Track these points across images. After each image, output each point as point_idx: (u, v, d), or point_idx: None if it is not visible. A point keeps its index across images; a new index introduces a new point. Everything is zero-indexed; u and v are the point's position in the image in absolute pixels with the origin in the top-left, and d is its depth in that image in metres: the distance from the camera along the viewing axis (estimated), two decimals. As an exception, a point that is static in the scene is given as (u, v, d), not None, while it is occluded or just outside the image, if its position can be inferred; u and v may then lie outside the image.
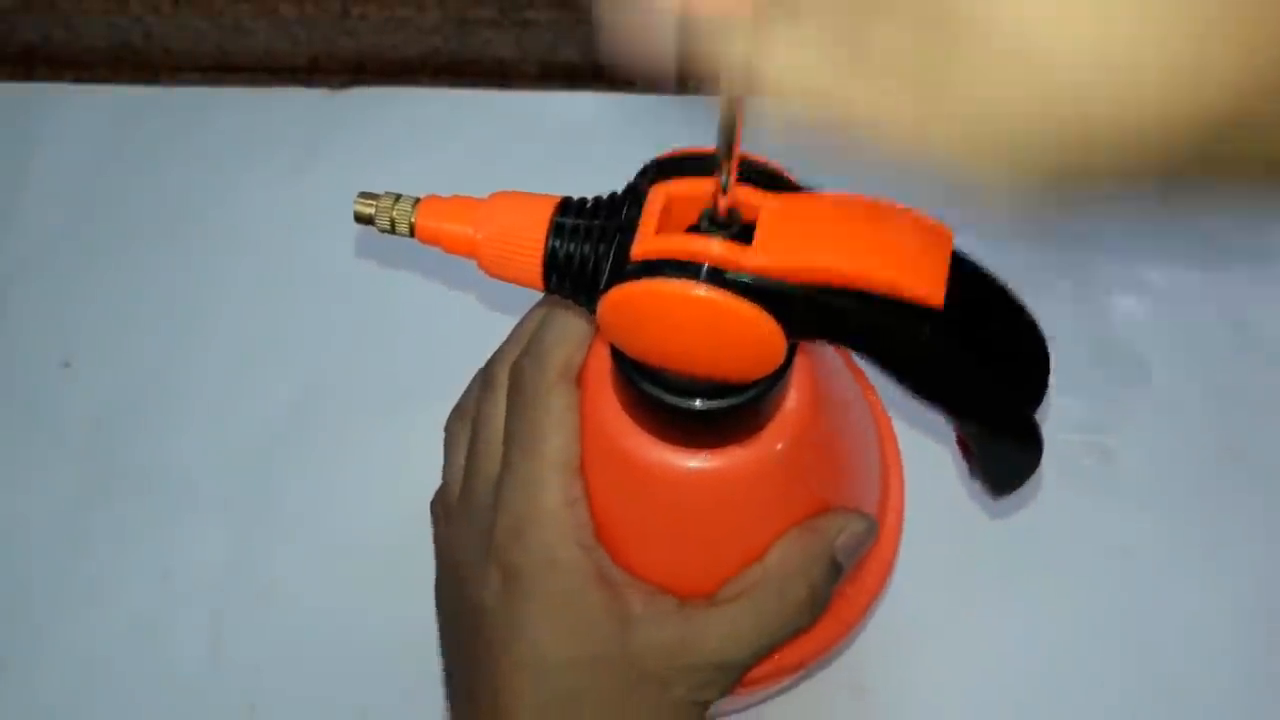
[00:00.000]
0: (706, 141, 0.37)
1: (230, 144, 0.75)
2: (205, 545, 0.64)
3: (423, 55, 0.76)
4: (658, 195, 0.35)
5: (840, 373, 0.46)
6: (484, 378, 0.47)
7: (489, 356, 0.49)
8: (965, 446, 0.40)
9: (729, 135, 0.31)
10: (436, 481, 0.54)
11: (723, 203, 0.33)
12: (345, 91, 0.76)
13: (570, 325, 0.43)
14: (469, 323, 0.68)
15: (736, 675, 0.44)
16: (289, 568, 0.63)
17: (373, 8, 0.74)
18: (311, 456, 0.66)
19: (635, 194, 0.36)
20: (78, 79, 0.77)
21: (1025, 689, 0.59)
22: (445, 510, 0.48)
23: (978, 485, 0.41)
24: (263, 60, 0.77)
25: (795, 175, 0.35)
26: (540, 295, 0.40)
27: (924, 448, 0.56)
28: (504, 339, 0.48)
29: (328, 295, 0.70)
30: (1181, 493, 0.63)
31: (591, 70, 0.76)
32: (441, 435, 0.51)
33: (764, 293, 0.33)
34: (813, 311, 0.33)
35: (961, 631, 0.60)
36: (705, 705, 0.45)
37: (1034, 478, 0.40)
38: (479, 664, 0.44)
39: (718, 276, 0.33)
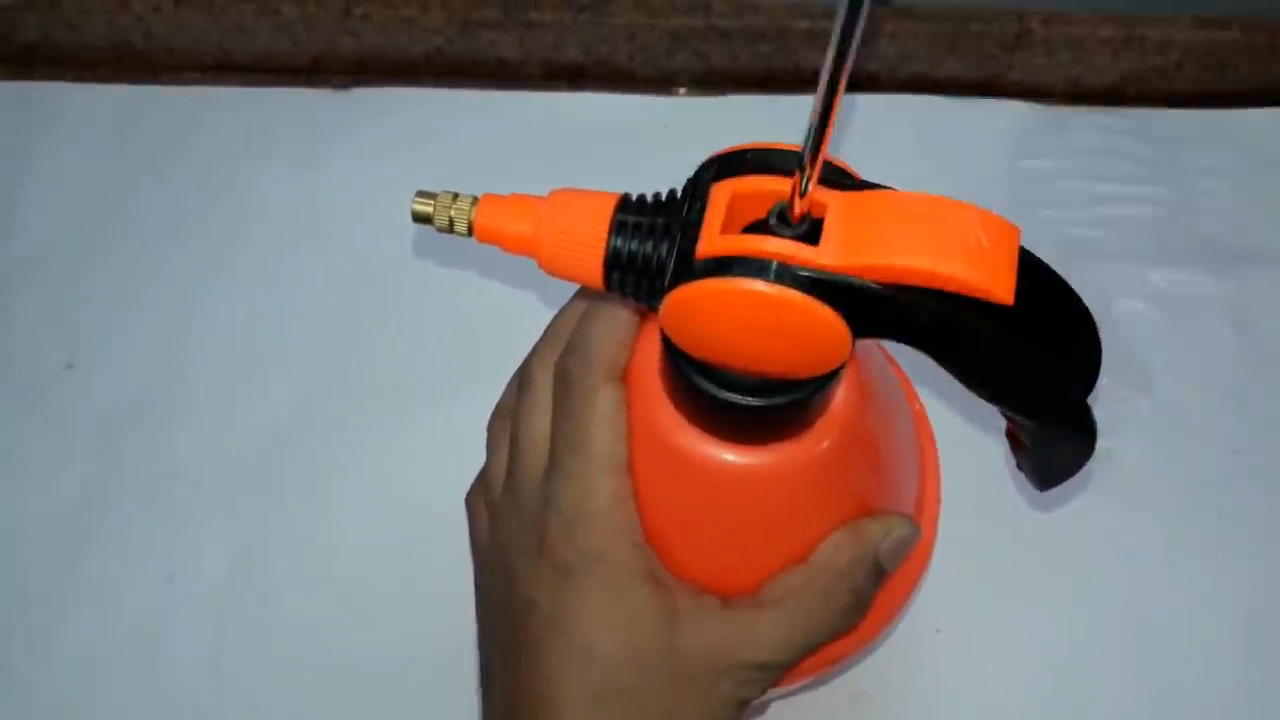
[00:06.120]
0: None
1: (232, 144, 0.74)
2: (209, 547, 0.64)
3: (426, 55, 0.76)
4: (721, 193, 0.35)
5: (883, 369, 0.46)
6: (522, 377, 0.47)
7: (524, 355, 0.49)
8: (1015, 439, 0.40)
9: (817, 138, 0.32)
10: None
11: (800, 206, 0.33)
12: (347, 92, 0.76)
13: (614, 323, 0.43)
14: (473, 322, 0.68)
15: (778, 674, 0.45)
16: (293, 570, 0.63)
17: (375, 8, 0.74)
18: (315, 458, 0.66)
19: (697, 191, 0.36)
20: (78, 78, 0.77)
21: (1025, 692, 0.60)
22: (489, 507, 0.48)
23: (1024, 477, 0.41)
24: (264, 60, 0.77)
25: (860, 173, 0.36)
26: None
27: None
28: (539, 337, 0.48)
29: (331, 295, 0.70)
30: (1184, 495, 0.64)
31: (595, 71, 0.77)
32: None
33: (833, 290, 0.33)
34: (882, 309, 0.34)
35: (960, 636, 0.61)
36: (746, 703, 0.45)
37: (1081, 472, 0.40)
38: (524, 659, 0.44)
39: (787, 274, 0.33)
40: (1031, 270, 0.34)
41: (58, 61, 0.77)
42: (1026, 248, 0.35)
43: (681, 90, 0.77)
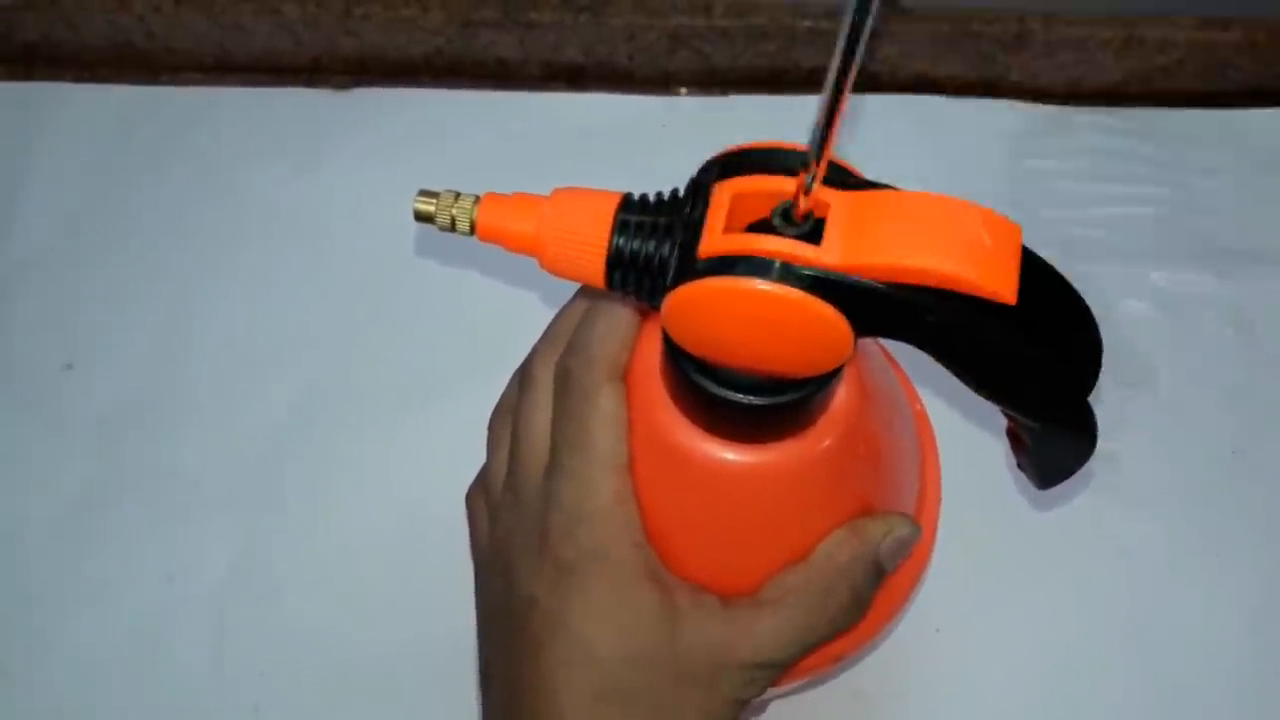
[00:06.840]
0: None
1: (232, 144, 0.74)
2: (209, 547, 0.64)
3: (426, 55, 0.76)
4: (723, 192, 0.35)
5: (885, 368, 0.46)
6: (523, 376, 0.47)
7: (525, 354, 0.49)
8: (1016, 438, 0.40)
9: (823, 136, 0.32)
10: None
11: (804, 204, 0.33)
12: (347, 92, 0.76)
13: (615, 322, 0.43)
14: (473, 322, 0.68)
15: (777, 673, 0.45)
16: (293, 570, 0.63)
17: (376, 8, 0.74)
18: (315, 458, 0.66)
19: (699, 191, 0.36)
20: (79, 78, 0.77)
21: (1025, 691, 0.60)
22: (490, 506, 0.48)
23: (1025, 476, 0.41)
24: (264, 60, 0.76)
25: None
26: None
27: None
28: (539, 337, 0.48)
29: (331, 295, 0.70)
30: (1185, 495, 0.64)
31: (594, 71, 0.77)
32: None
33: (836, 289, 0.33)
34: (884, 308, 0.34)
35: (960, 635, 0.61)
36: (745, 703, 0.45)
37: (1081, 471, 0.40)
38: (524, 657, 0.44)
39: (790, 273, 0.33)
40: (1032, 269, 0.34)
41: (58, 61, 0.77)
42: (1027, 246, 0.35)
43: (682, 90, 0.77)
